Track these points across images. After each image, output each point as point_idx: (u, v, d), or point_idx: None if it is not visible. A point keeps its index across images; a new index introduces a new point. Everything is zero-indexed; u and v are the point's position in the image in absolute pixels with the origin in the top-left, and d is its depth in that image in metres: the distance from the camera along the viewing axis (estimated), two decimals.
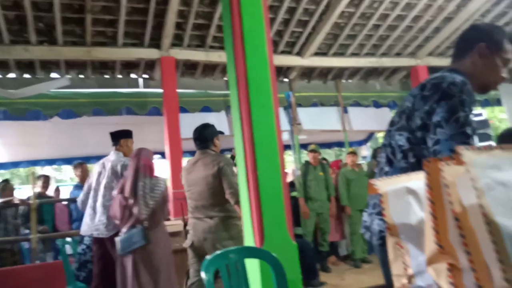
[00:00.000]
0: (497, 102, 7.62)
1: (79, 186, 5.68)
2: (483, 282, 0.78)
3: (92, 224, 3.30)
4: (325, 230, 5.62)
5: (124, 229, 3.03)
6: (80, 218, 5.39)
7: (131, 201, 3.03)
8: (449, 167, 0.82)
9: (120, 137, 3.61)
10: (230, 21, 2.84)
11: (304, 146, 7.50)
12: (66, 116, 5.32)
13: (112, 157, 3.51)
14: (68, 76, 5.44)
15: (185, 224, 3.59)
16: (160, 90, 5.34)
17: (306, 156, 6.12)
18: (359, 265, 5.61)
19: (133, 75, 5.82)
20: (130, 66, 5.64)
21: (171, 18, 4.91)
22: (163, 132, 5.27)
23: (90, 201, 3.40)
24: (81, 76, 5.62)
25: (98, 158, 7.68)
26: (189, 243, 3.03)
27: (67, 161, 7.67)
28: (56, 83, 5.20)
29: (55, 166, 13.88)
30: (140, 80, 5.82)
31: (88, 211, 3.38)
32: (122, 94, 5.53)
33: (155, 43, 5.29)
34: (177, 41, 5.40)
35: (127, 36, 5.18)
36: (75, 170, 5.79)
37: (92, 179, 3.47)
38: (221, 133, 3.77)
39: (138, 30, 5.16)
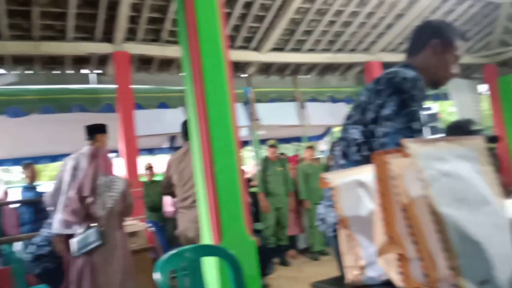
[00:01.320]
0: (446, 96, 7.97)
1: (28, 188, 5.42)
2: (429, 271, 0.79)
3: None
4: (284, 224, 5.68)
5: (80, 230, 2.94)
6: (30, 221, 5.16)
7: (89, 200, 2.94)
8: (396, 160, 0.84)
9: (96, 131, 3.46)
10: (184, 15, 2.78)
11: (263, 141, 7.53)
12: (13, 114, 5.02)
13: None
14: (15, 72, 5.15)
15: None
16: (114, 86, 5.16)
17: (266, 151, 6.15)
18: (318, 257, 5.73)
19: (84, 71, 5.59)
20: (81, 61, 5.40)
21: (124, 11, 4.74)
22: (117, 130, 5.10)
23: (63, 198, 3.22)
24: (29, 72, 5.32)
25: (48, 157, 7.42)
26: (178, 232, 3.18)
27: (16, 161, 7.31)
28: (2, 80, 4.92)
29: (3, 167, 13.19)
30: (92, 76, 5.59)
31: (60, 208, 3.21)
32: (72, 91, 5.30)
33: (107, 37, 5.09)
34: (131, 35, 5.23)
35: (77, 30, 4.96)
36: (24, 170, 5.53)
37: (64, 175, 3.30)
38: None
39: (89, 23, 4.95)
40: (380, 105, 1.43)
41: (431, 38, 1.55)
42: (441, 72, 1.57)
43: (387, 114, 1.39)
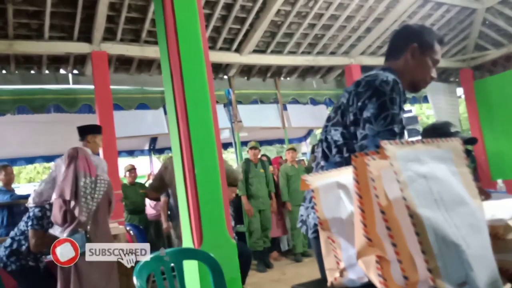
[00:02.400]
0: (424, 99, 8.12)
1: (2, 191, 5.26)
2: (409, 273, 0.79)
3: None
4: (267, 226, 5.67)
5: (64, 234, 2.88)
6: (4, 225, 5.00)
7: (73, 204, 2.88)
8: (374, 161, 0.83)
9: (87, 132, 3.42)
10: (163, 16, 2.75)
11: (245, 143, 7.52)
12: None
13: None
14: None
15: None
16: (92, 87, 5.07)
17: (247, 153, 6.14)
18: (300, 259, 5.74)
19: (62, 71, 5.47)
20: (58, 61, 5.30)
21: (102, 10, 4.66)
22: None
23: None
24: (3, 71, 5.19)
25: (24, 159, 7.22)
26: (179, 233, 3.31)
27: None
28: None
29: None
30: (70, 76, 5.48)
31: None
32: (49, 91, 5.17)
33: (85, 36, 5.00)
34: (109, 35, 5.15)
35: (54, 29, 4.85)
36: None
37: (57, 174, 3.23)
38: None
39: (66, 22, 4.85)
40: (360, 107, 1.44)
41: (410, 43, 1.56)
42: (420, 76, 1.58)
43: (367, 116, 1.39)
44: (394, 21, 6.37)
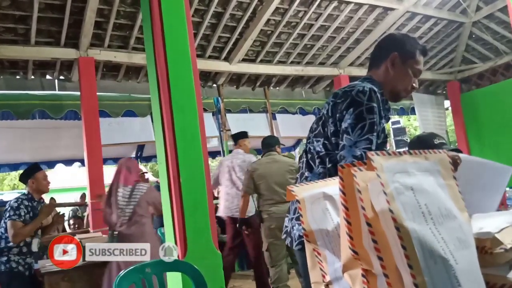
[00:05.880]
0: (412, 110, 8.18)
1: None
2: (395, 287, 0.77)
3: (231, 206, 4.15)
4: None
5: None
6: None
7: (109, 212, 3.17)
8: (361, 172, 0.81)
9: (239, 137, 4.44)
10: (151, 22, 2.72)
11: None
12: None
13: (236, 154, 4.37)
14: None
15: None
16: (78, 93, 5.00)
17: None
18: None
19: (48, 76, 5.40)
20: (44, 66, 5.22)
21: (90, 16, 4.61)
22: (82, 138, 4.93)
23: (226, 189, 4.22)
24: None
25: (8, 166, 7.07)
26: None
27: None
28: None
29: None
30: (56, 82, 5.41)
31: (225, 197, 4.23)
32: (34, 96, 5.10)
33: (72, 42, 4.94)
34: (97, 41, 5.10)
35: (41, 34, 4.78)
36: None
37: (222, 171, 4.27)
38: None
39: (54, 28, 4.79)
40: (339, 118, 1.44)
41: (391, 51, 1.56)
42: (400, 85, 1.58)
43: (345, 127, 1.41)
44: (383, 32, 6.43)
